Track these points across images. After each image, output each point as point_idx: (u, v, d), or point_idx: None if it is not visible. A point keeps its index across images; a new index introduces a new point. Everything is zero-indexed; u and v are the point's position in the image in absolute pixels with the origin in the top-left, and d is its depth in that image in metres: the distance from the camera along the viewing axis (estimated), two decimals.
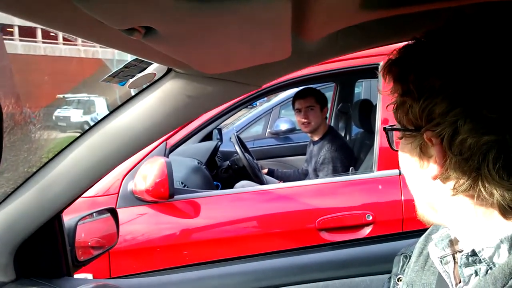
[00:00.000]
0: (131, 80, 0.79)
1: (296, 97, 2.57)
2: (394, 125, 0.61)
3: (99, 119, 0.93)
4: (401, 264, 0.75)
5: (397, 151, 0.62)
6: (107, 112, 0.90)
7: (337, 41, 0.75)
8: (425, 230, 0.73)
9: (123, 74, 0.73)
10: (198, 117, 1.97)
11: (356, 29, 0.70)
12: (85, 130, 0.96)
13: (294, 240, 1.86)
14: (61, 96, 17.64)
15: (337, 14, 0.62)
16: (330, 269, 1.11)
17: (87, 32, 0.47)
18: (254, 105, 5.46)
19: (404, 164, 0.60)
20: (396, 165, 2.02)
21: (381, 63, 0.59)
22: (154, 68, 0.80)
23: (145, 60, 0.74)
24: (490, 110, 0.47)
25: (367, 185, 2.00)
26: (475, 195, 0.51)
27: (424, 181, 0.57)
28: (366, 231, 1.88)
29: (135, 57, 0.75)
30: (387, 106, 0.62)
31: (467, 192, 0.52)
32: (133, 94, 0.91)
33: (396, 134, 0.61)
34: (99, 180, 1.02)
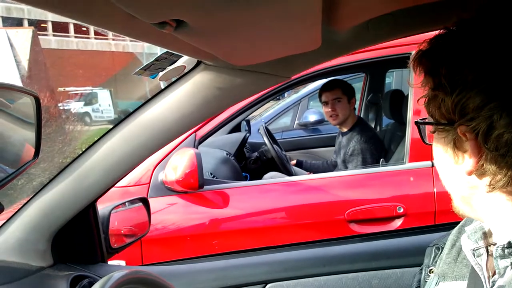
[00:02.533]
0: (161, 73, 0.80)
1: (323, 89, 2.54)
2: (426, 118, 0.59)
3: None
4: (433, 255, 0.74)
5: (430, 144, 0.61)
6: (141, 103, 0.92)
7: (368, 31, 0.74)
8: (458, 222, 0.71)
9: (154, 67, 0.75)
10: (228, 108, 1.99)
11: (387, 18, 0.69)
12: (118, 122, 0.98)
13: (323, 231, 1.85)
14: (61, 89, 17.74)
15: (368, 2, 0.61)
16: (360, 261, 1.10)
17: (119, 26, 0.48)
18: (283, 97, 5.45)
19: (438, 158, 0.59)
20: (428, 156, 1.98)
21: (412, 53, 0.57)
22: (184, 60, 0.81)
23: (175, 53, 0.75)
24: None
25: (398, 177, 1.96)
26: None
27: (459, 176, 0.55)
28: (397, 223, 1.85)
29: (165, 50, 0.77)
30: (418, 100, 0.60)
31: (504, 189, 0.50)
32: (163, 87, 0.93)
33: (428, 128, 0.60)
34: (132, 170, 1.04)
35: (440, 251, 0.73)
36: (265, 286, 1.12)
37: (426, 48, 0.55)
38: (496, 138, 0.48)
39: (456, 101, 0.50)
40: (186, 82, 0.87)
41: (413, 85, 0.73)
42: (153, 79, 0.79)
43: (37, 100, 0.49)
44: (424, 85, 0.56)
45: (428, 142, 0.61)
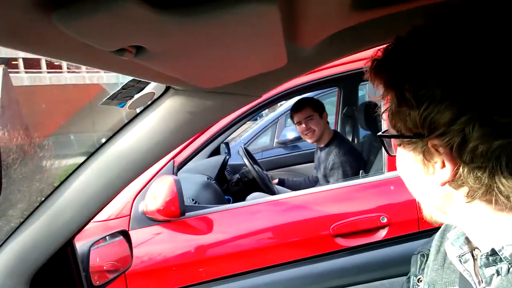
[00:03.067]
0: (130, 101, 0.79)
1: (293, 110, 2.56)
2: (386, 130, 0.57)
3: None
4: (419, 263, 0.73)
5: (395, 156, 0.59)
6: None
7: (332, 45, 0.75)
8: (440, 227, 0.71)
9: (122, 95, 0.73)
10: (201, 132, 1.98)
11: (350, 31, 0.70)
12: (90, 154, 0.96)
13: (310, 248, 1.83)
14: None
15: (329, 17, 0.62)
16: (349, 275, 1.09)
17: (78, 57, 0.47)
18: (260, 117, 5.47)
19: (405, 169, 0.57)
20: None
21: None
22: (153, 87, 0.81)
23: (142, 80, 0.75)
24: (503, 115, 0.44)
25: (379, 187, 1.97)
26: (492, 199, 0.48)
27: (430, 186, 0.54)
28: (382, 233, 1.85)
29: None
30: (381, 114, 0.59)
31: (482, 198, 0.49)
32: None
33: (394, 139, 0.58)
34: (108, 203, 1.01)
35: (425, 258, 0.72)
36: None
37: (381, 58, 0.54)
38: (471, 151, 0.46)
39: (424, 115, 0.48)
40: (156, 108, 0.86)
41: (371, 98, 0.70)
42: (122, 107, 0.77)
43: None
44: (384, 97, 0.54)
45: (393, 154, 0.60)
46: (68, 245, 1.09)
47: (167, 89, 0.83)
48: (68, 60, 0.47)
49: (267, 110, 5.19)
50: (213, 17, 0.41)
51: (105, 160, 0.95)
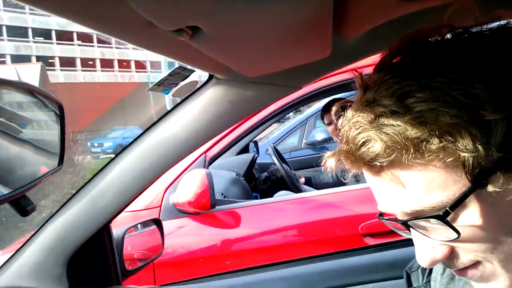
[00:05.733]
0: (174, 89, 0.81)
1: (324, 111, 2.56)
2: None
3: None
4: (421, 278, 0.68)
5: None
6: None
7: (375, 38, 0.75)
8: None
9: (168, 82, 0.76)
10: (233, 128, 2.00)
11: (396, 23, 0.70)
12: (131, 141, 0.99)
13: (337, 246, 1.82)
14: None
15: (377, 8, 0.62)
16: (378, 271, 1.09)
17: (135, 36, 0.50)
18: (287, 119, 5.46)
19: None
20: None
21: None
22: (197, 76, 0.83)
23: (188, 67, 0.77)
24: None
25: None
26: None
27: None
28: None
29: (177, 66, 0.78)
30: None
31: None
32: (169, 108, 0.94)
33: None
34: (146, 189, 1.05)
35: (427, 271, 0.67)
36: None
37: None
38: None
39: None
40: (198, 97, 0.89)
41: None
42: (166, 95, 0.80)
43: (60, 108, 0.50)
44: None
45: None
46: (105, 229, 1.12)
47: (209, 79, 0.85)
48: (126, 39, 0.49)
49: (293, 112, 5.19)
50: (270, 6, 0.42)
51: (145, 147, 0.98)
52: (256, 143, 3.33)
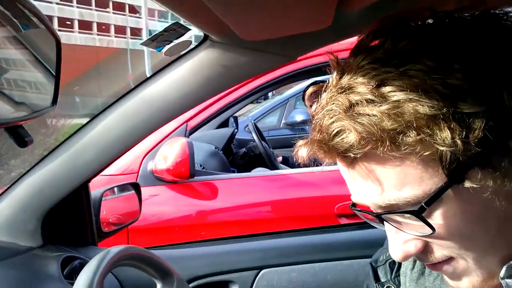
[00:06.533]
0: (167, 47, 0.79)
1: (305, 92, 2.55)
2: None
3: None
4: (389, 273, 0.66)
5: None
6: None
7: (378, 12, 0.74)
8: None
9: (162, 38, 0.74)
10: (215, 100, 1.98)
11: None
12: (118, 98, 0.96)
13: (312, 224, 1.86)
14: None
15: None
16: (356, 248, 1.11)
17: None
18: (265, 98, 5.44)
19: None
20: None
21: None
22: (191, 35, 0.81)
23: (184, 25, 0.75)
24: None
25: None
26: None
27: None
28: None
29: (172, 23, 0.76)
30: None
31: None
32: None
33: None
34: (129, 150, 1.02)
35: (396, 265, 0.66)
36: (259, 272, 1.12)
37: None
38: None
39: None
40: (190, 58, 0.86)
41: None
42: (159, 51, 0.77)
43: (58, 44, 0.48)
44: None
45: None
46: (83, 188, 1.10)
47: (204, 40, 0.83)
48: None
49: (272, 92, 5.18)
50: None
51: (132, 106, 0.95)
52: (236, 118, 3.32)
